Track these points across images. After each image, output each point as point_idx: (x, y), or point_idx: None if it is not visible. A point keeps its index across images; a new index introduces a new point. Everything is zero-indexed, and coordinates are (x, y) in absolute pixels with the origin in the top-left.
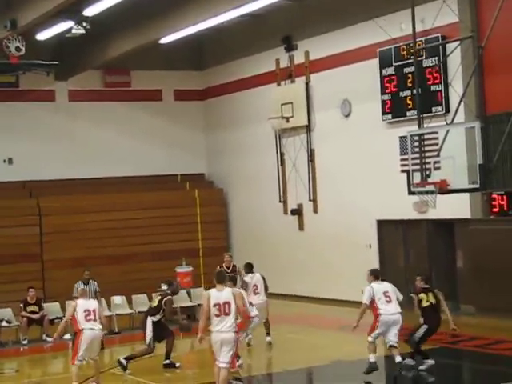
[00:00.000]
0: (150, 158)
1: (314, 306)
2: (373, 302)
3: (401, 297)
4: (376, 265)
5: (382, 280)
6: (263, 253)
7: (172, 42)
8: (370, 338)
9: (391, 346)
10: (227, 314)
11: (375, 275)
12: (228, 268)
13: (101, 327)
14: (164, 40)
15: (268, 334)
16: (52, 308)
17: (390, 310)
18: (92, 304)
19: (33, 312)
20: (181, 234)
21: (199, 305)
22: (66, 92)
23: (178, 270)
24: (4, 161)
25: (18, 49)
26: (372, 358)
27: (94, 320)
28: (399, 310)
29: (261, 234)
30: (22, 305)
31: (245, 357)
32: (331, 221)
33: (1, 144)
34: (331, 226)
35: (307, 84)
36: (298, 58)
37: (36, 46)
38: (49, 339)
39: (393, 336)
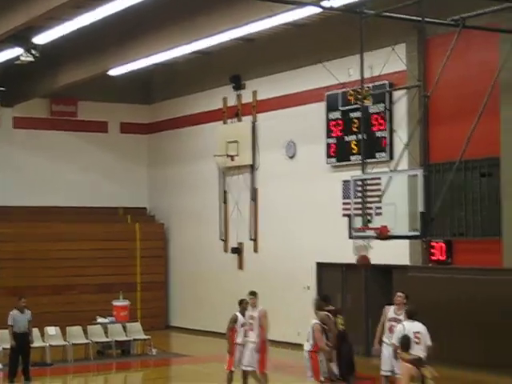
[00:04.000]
0: (93, 190)
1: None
2: None
3: (429, 342)
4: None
5: (415, 320)
6: (201, 290)
7: (121, 75)
8: None
9: None
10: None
11: (409, 314)
12: None
13: None
14: (113, 72)
15: None
16: None
17: (418, 353)
18: None
19: None
20: (120, 267)
21: (134, 339)
22: (11, 119)
23: (115, 303)
24: None
25: None
26: None
27: None
28: (425, 354)
29: (200, 271)
30: None
31: None
32: (271, 261)
33: None
34: (271, 267)
35: (253, 123)
36: (246, 97)
37: None
38: None
39: None
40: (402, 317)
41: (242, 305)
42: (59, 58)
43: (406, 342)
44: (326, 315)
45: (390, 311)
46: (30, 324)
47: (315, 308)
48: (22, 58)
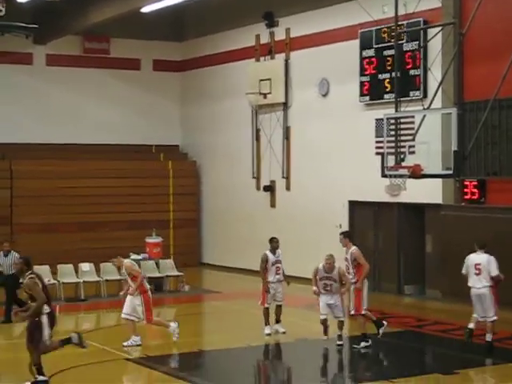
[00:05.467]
0: (126, 127)
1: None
2: None
3: (494, 272)
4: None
5: (486, 252)
6: (233, 227)
7: (153, 12)
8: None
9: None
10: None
11: (480, 245)
12: None
13: None
14: (145, 9)
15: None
16: None
17: (476, 284)
18: None
19: None
20: (152, 204)
21: (167, 276)
22: (44, 56)
23: (148, 240)
24: None
25: None
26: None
27: None
28: (486, 284)
29: (232, 209)
30: None
31: (209, 331)
32: (303, 199)
33: None
34: (303, 205)
35: (286, 61)
36: (279, 34)
37: (16, 8)
38: None
39: (481, 311)
40: (348, 256)
41: (273, 243)
42: None
43: None
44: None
45: None
46: None
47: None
48: None
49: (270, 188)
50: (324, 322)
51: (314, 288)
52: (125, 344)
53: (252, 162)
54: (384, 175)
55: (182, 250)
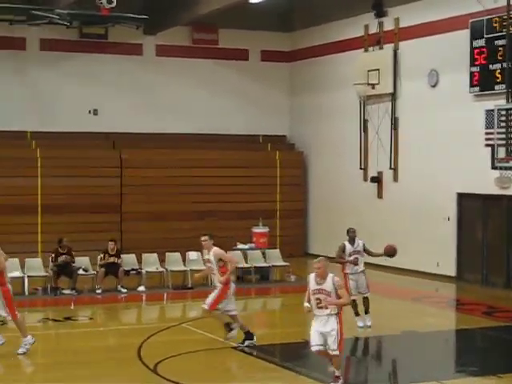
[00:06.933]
0: (233, 117)
1: (388, 275)
2: None
3: None
4: (453, 238)
5: None
6: (340, 218)
7: (261, 2)
8: None
9: None
10: None
11: None
12: None
13: None
14: (253, 0)
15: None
16: (128, 259)
17: None
18: None
19: (113, 263)
20: (259, 194)
21: (273, 266)
22: (154, 46)
23: (255, 230)
24: (89, 112)
25: (109, 1)
26: None
27: None
28: None
29: (338, 200)
30: (102, 255)
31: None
32: (411, 190)
33: (87, 95)
34: (410, 196)
35: (395, 51)
36: (388, 24)
37: None
38: (123, 290)
39: None
40: (211, 257)
41: (349, 233)
42: None
43: None
44: None
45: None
46: None
47: None
48: None
49: (377, 179)
50: (320, 353)
51: (306, 304)
52: (19, 352)
53: (359, 152)
54: (494, 167)
55: (288, 240)
